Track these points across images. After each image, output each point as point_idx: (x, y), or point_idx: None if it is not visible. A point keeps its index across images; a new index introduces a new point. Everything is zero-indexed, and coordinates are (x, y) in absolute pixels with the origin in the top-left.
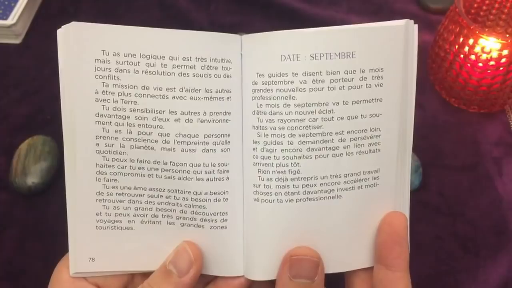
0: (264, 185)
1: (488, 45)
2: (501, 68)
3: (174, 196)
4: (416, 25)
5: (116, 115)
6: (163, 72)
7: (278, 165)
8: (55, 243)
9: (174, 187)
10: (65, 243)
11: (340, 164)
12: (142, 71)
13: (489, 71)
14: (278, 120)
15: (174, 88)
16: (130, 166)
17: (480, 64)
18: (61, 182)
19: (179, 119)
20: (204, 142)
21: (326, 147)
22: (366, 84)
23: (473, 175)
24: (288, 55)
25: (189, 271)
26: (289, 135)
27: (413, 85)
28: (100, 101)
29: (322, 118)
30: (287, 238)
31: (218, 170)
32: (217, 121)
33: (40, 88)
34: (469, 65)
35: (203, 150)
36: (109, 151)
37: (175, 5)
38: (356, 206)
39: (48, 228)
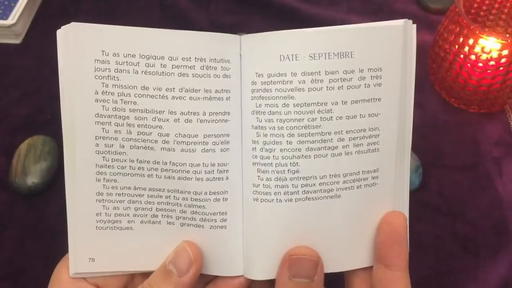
0: (264, 184)
1: (488, 45)
2: (501, 68)
3: (174, 196)
4: (415, 25)
5: (115, 115)
6: (163, 72)
7: (277, 164)
8: (55, 243)
9: (173, 187)
10: (65, 243)
11: (339, 164)
12: (142, 71)
13: (489, 71)
14: (277, 120)
15: (173, 88)
16: (130, 166)
17: (480, 64)
18: (61, 182)
19: (178, 119)
20: (203, 142)
21: (325, 146)
22: (365, 84)
23: (473, 175)
24: (287, 55)
25: (189, 270)
26: (288, 135)
27: (411, 84)
28: (100, 102)
29: (321, 118)
30: (286, 238)
31: (217, 170)
32: (216, 121)
33: (40, 88)
34: (469, 65)
35: (203, 150)
36: (108, 151)
37: (175, 5)
38: (355, 205)
39: (48, 228)
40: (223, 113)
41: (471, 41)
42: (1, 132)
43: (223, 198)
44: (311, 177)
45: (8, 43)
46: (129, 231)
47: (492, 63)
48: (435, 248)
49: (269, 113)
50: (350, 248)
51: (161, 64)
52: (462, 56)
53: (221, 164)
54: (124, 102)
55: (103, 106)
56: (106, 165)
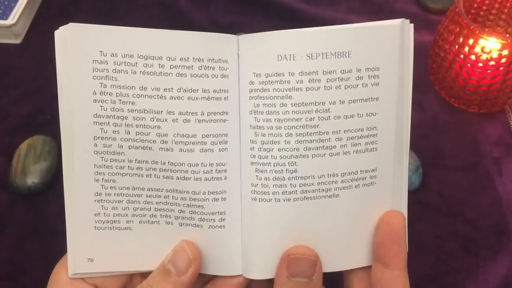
0: (262, 184)
1: (488, 45)
2: (501, 68)
3: (173, 196)
4: (412, 24)
5: (114, 115)
6: (161, 72)
7: (275, 164)
8: (55, 243)
9: (172, 187)
10: (65, 243)
11: (337, 163)
12: (140, 71)
13: (489, 71)
14: (275, 119)
15: (171, 89)
16: (128, 167)
17: (480, 64)
18: (61, 182)
19: (177, 119)
20: (202, 142)
21: (323, 146)
22: (363, 83)
23: (473, 175)
24: (285, 55)
25: (187, 270)
26: (286, 135)
27: (409, 84)
28: (98, 102)
29: (319, 117)
30: (285, 237)
31: (216, 170)
32: (214, 121)
33: (40, 88)
34: (469, 65)
35: (201, 150)
36: (107, 151)
37: (175, 5)
38: (353, 205)
39: (48, 228)
40: (221, 113)
41: (471, 41)
42: (1, 132)
43: (222, 198)
44: (309, 176)
45: (8, 43)
46: (128, 231)
47: (492, 63)
48: (435, 248)
49: (267, 113)
50: (348, 247)
51: (159, 64)
52: (462, 56)
53: (220, 164)
54: (122, 103)
55: (101, 106)
56: (104, 165)
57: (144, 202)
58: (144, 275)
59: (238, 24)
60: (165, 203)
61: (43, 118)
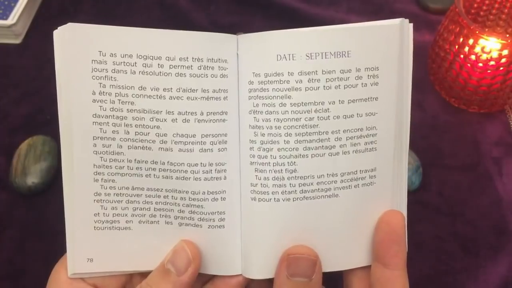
0: (261, 184)
1: (488, 45)
2: (501, 68)
3: (172, 196)
4: (411, 24)
5: (113, 115)
6: (160, 72)
7: (274, 164)
8: (55, 243)
9: (172, 187)
10: (65, 243)
11: (336, 163)
12: (139, 71)
13: (489, 71)
14: (274, 119)
15: (171, 89)
16: (128, 167)
17: (480, 64)
18: (61, 182)
19: (176, 119)
20: (201, 142)
21: (323, 146)
22: (362, 83)
23: (473, 175)
24: (284, 55)
25: (187, 269)
26: (286, 134)
27: (409, 83)
28: (97, 102)
29: (318, 117)
30: (284, 237)
31: (215, 170)
32: (214, 120)
33: (40, 88)
34: (469, 65)
35: (201, 150)
36: (106, 151)
37: (175, 5)
38: (353, 205)
39: (48, 228)
40: (221, 113)
41: (471, 41)
42: (1, 132)
43: (221, 198)
44: (308, 176)
45: (8, 43)
46: (128, 231)
47: (492, 63)
48: (435, 248)
49: (267, 112)
50: (348, 247)
51: (159, 64)
52: (462, 56)
53: (219, 164)
54: (121, 103)
55: (100, 106)
56: (104, 165)
57: (144, 202)
58: (144, 275)
59: (238, 24)
60: (164, 203)
61: (43, 118)
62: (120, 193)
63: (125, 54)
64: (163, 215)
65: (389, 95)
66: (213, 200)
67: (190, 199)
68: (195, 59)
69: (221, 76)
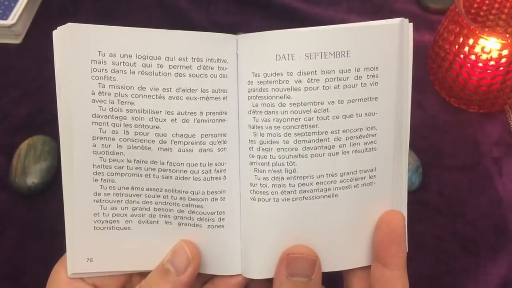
0: (261, 184)
1: (488, 45)
2: (501, 68)
3: (172, 196)
4: (411, 24)
5: (112, 115)
6: (159, 72)
7: (274, 164)
8: (55, 243)
9: (171, 187)
10: (65, 243)
11: (336, 163)
12: (139, 71)
13: (489, 71)
14: (273, 119)
15: (170, 89)
16: (127, 167)
17: (480, 64)
18: (61, 182)
19: (175, 119)
20: (201, 141)
21: (322, 146)
22: (361, 83)
23: (473, 175)
24: (283, 55)
25: (186, 269)
26: (285, 134)
27: (408, 83)
28: (97, 102)
29: (317, 117)
30: (284, 237)
31: (215, 170)
32: (213, 120)
33: (40, 88)
34: (469, 65)
35: (200, 150)
36: (106, 151)
37: (175, 5)
38: (353, 205)
39: (48, 228)
40: (220, 113)
41: (471, 41)
42: (1, 132)
43: (221, 198)
44: (308, 176)
45: (8, 43)
46: (127, 231)
47: (492, 63)
48: (435, 248)
49: (266, 112)
50: (348, 247)
51: (158, 64)
52: (462, 56)
53: (219, 164)
54: (121, 103)
55: (100, 106)
56: (103, 165)
57: (143, 202)
58: (143, 274)
59: (238, 24)
60: (164, 203)
61: (43, 118)
62: (120, 193)
63: (125, 54)
64: (162, 215)
65: (388, 95)
66: (212, 200)
67: (190, 199)
68: (195, 59)
69: (220, 76)
